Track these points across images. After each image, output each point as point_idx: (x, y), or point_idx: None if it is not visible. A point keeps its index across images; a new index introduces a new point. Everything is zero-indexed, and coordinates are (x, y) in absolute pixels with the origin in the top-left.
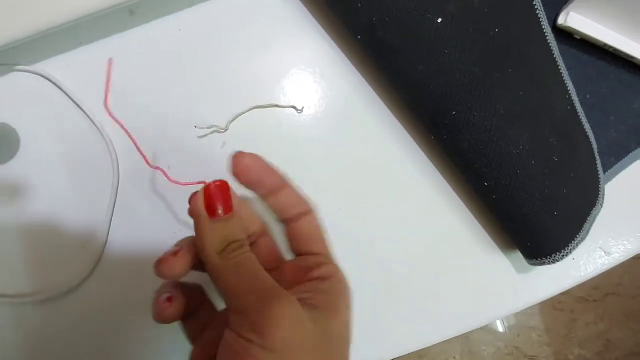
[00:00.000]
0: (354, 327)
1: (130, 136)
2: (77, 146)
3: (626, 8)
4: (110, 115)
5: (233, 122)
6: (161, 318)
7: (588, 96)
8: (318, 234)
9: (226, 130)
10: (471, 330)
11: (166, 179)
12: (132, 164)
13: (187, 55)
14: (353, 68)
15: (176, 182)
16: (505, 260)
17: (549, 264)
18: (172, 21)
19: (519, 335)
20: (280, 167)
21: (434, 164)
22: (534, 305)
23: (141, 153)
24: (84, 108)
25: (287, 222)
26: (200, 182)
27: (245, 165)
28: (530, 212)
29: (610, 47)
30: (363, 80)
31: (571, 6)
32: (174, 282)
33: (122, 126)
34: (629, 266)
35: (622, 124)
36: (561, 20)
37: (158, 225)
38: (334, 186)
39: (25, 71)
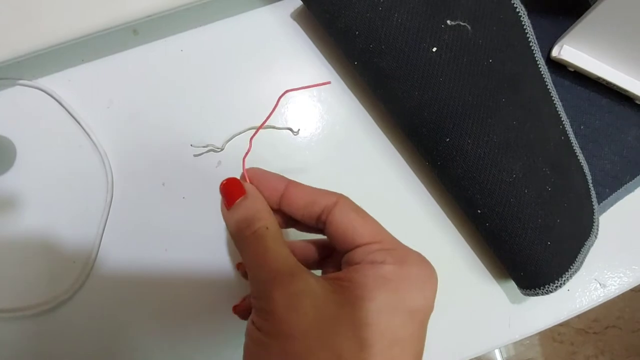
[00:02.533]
0: None
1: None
2: (72, 161)
3: (619, 42)
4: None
5: (229, 142)
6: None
7: (582, 127)
8: (358, 221)
9: (222, 149)
10: (470, 359)
11: None
12: (125, 180)
13: (187, 75)
14: (350, 92)
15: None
16: (499, 289)
17: (542, 294)
18: (174, 41)
19: None
20: None
21: (428, 190)
22: (533, 337)
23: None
24: (83, 124)
25: (319, 224)
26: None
27: (248, 174)
28: (523, 241)
29: (604, 79)
30: (359, 104)
31: (565, 39)
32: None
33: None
34: (629, 299)
35: (615, 155)
36: (555, 53)
37: (148, 242)
38: None
39: (28, 86)
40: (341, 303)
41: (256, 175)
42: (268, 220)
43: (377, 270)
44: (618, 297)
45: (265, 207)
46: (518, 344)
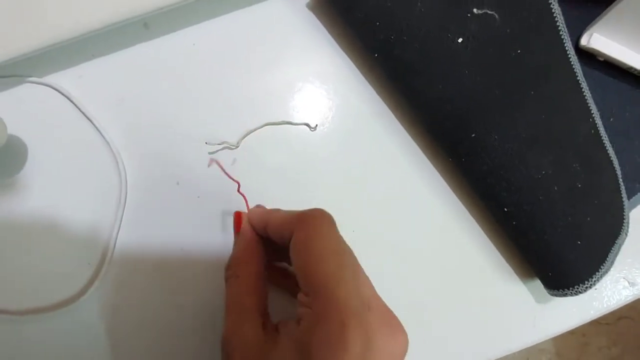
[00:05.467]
0: None
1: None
2: (85, 159)
3: None
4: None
5: (244, 139)
6: None
7: (611, 119)
8: (301, 260)
9: (237, 146)
10: None
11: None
12: (139, 179)
13: (200, 70)
14: (369, 86)
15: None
16: (524, 289)
17: (571, 295)
18: (186, 35)
19: (528, 358)
20: (291, 186)
21: (450, 188)
22: (543, 340)
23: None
24: (94, 121)
25: None
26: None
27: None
28: (552, 241)
29: (635, 69)
30: (379, 98)
31: (594, 27)
32: None
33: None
34: None
35: None
36: (584, 42)
37: (164, 241)
38: (346, 208)
39: (37, 83)
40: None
41: (251, 212)
42: (241, 268)
43: (290, 329)
44: None
45: (247, 252)
46: None
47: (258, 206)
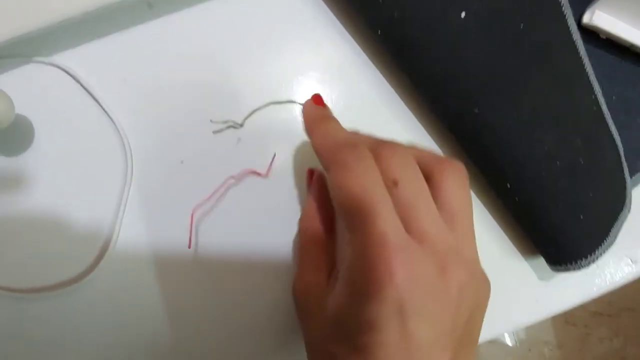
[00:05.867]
0: None
1: None
2: (91, 140)
3: None
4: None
5: (248, 118)
6: None
7: (613, 98)
8: (335, 200)
9: (241, 126)
10: (488, 340)
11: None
12: (144, 159)
13: (204, 50)
14: (372, 65)
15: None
16: (526, 266)
17: (573, 270)
18: (190, 15)
19: (530, 350)
20: (296, 165)
21: None
22: (546, 318)
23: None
24: (100, 101)
25: None
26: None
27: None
28: (555, 216)
29: (638, 47)
30: (382, 77)
31: (597, 4)
32: None
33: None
34: None
35: None
36: (586, 19)
37: (169, 220)
38: None
39: (42, 63)
40: None
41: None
42: (305, 225)
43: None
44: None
45: (310, 211)
46: (530, 326)
47: (314, 103)
